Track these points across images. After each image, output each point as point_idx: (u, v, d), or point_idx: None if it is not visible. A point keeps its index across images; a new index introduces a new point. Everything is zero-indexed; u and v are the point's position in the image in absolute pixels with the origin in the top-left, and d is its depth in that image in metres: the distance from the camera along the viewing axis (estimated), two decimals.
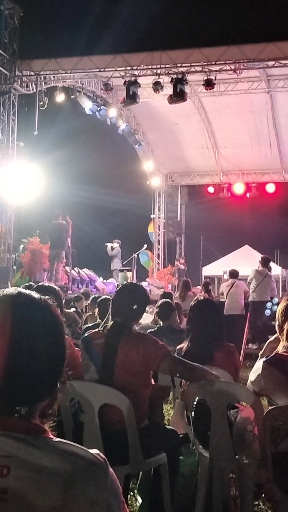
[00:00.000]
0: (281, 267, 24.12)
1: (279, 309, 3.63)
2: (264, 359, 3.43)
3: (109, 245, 21.44)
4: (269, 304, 13.80)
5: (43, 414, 1.54)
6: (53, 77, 16.91)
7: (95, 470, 1.43)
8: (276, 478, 3.36)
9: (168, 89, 15.80)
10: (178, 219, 25.81)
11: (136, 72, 15.90)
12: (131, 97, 15.99)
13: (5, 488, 1.37)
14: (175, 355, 4.29)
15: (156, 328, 7.25)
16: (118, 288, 4.51)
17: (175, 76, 15.47)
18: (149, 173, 23.94)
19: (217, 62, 15.21)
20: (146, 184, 24.46)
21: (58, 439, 1.49)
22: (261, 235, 29.71)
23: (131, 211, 27.18)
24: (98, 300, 8.21)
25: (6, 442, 1.42)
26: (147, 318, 9.25)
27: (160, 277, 23.16)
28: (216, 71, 15.55)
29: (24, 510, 1.36)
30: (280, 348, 3.53)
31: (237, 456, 3.91)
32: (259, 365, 3.45)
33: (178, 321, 9.01)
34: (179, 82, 15.38)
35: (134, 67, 15.79)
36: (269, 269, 14.30)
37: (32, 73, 16.34)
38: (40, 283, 5.47)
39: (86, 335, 4.24)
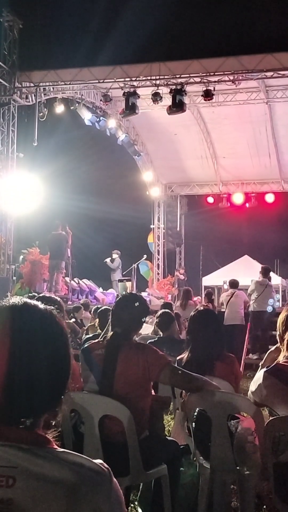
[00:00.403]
0: (281, 277, 24.09)
1: (279, 319, 3.63)
2: (265, 369, 3.42)
3: (108, 259, 21.41)
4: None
5: (46, 425, 1.54)
6: (53, 88, 16.98)
7: (100, 480, 1.43)
8: (278, 489, 3.35)
9: (167, 100, 15.86)
10: (178, 229, 25.83)
11: (135, 83, 15.97)
12: (130, 108, 16.05)
13: (10, 498, 1.37)
14: (175, 365, 4.29)
15: (156, 339, 7.24)
16: (117, 299, 4.50)
17: (174, 87, 15.53)
18: (148, 183, 23.98)
19: (215, 73, 15.28)
20: (145, 194, 24.50)
21: (62, 450, 1.49)
22: (261, 245, 29.74)
23: (130, 221, 27.19)
24: (99, 310, 8.22)
25: (11, 453, 1.42)
26: (147, 329, 9.24)
27: (160, 287, 23.15)
28: (215, 81, 15.63)
29: None
30: (281, 358, 3.52)
31: (238, 467, 3.89)
32: (259, 375, 3.44)
33: (178, 331, 9.01)
34: (178, 93, 15.44)
35: (133, 78, 15.85)
36: (269, 279, 14.29)
37: (32, 84, 16.40)
38: (41, 294, 5.46)
39: (86, 345, 4.24)
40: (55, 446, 1.50)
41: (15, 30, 16.17)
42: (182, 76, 15.44)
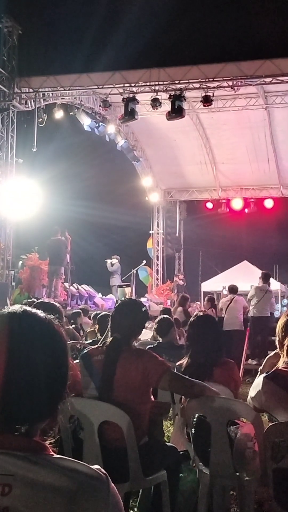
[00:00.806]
0: (280, 282, 24.11)
1: (279, 324, 3.62)
2: (264, 374, 3.42)
3: (108, 261, 21.44)
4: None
5: (44, 432, 1.54)
6: (52, 94, 17.01)
7: (97, 486, 1.42)
8: (277, 495, 3.34)
9: (166, 106, 15.89)
10: (177, 234, 25.82)
11: (134, 89, 16.00)
12: (130, 114, 16.07)
13: (6, 507, 1.36)
14: (175, 371, 4.28)
15: (155, 344, 7.23)
16: (117, 304, 4.50)
17: (173, 92, 15.57)
18: (147, 189, 23.99)
19: (214, 79, 15.30)
20: (144, 200, 24.51)
21: (59, 456, 1.48)
22: (260, 250, 29.80)
23: (130, 227, 27.24)
24: (98, 316, 8.21)
25: (6, 461, 1.41)
26: (146, 334, 9.22)
27: (159, 293, 23.14)
28: (214, 87, 15.66)
29: None
30: (280, 364, 3.52)
31: (237, 473, 3.89)
32: (259, 380, 3.44)
33: (177, 336, 9.00)
34: (177, 99, 15.47)
35: (133, 84, 15.87)
36: (269, 285, 14.29)
37: (31, 90, 16.43)
38: (40, 300, 5.46)
39: (85, 351, 4.23)
40: (52, 453, 1.49)
41: (14, 36, 16.20)
42: (181, 82, 15.47)
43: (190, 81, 15.49)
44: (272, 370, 3.43)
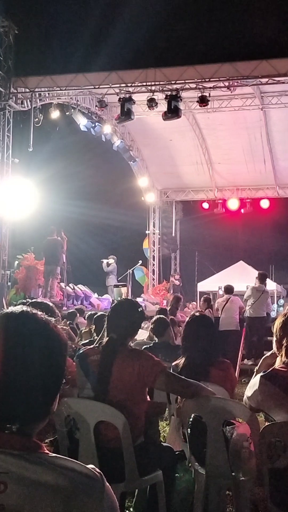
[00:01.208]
0: (276, 282, 24.15)
1: (276, 324, 3.62)
2: (261, 374, 3.42)
3: (104, 261, 21.44)
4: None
5: (40, 432, 1.54)
6: (48, 94, 16.99)
7: (92, 485, 1.43)
8: (273, 495, 3.34)
9: (163, 106, 15.87)
10: (173, 234, 25.84)
11: (130, 89, 15.99)
12: (126, 114, 16.06)
13: (1, 504, 1.36)
14: (171, 371, 4.28)
15: (151, 344, 7.23)
16: (113, 304, 4.50)
17: (169, 93, 15.55)
18: (144, 189, 23.99)
19: (211, 79, 15.30)
20: (141, 200, 24.50)
21: (54, 455, 1.48)
22: (256, 250, 29.85)
23: (126, 227, 27.24)
24: (95, 316, 8.21)
25: (2, 459, 1.41)
26: (142, 334, 9.22)
27: (155, 293, 23.14)
28: (210, 88, 15.66)
29: None
30: (277, 364, 3.52)
31: (233, 473, 3.89)
32: (256, 380, 3.44)
33: (173, 336, 9.00)
34: (173, 99, 15.46)
35: (129, 84, 15.86)
36: (265, 285, 14.31)
37: (27, 90, 16.40)
38: (33, 299, 5.44)
39: (81, 351, 4.23)
40: (47, 451, 1.50)
41: (10, 36, 16.15)
42: (177, 82, 15.46)
43: (186, 81, 15.48)
44: (269, 370, 3.43)
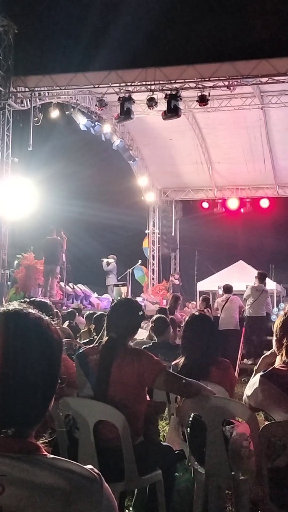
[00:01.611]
0: (276, 282, 24.15)
1: (277, 324, 3.62)
2: (261, 373, 3.42)
3: (104, 260, 21.43)
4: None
5: (37, 433, 1.53)
6: (48, 93, 16.99)
7: (90, 486, 1.42)
8: (273, 494, 3.34)
9: (162, 105, 15.87)
10: (173, 234, 25.85)
11: (130, 88, 15.98)
12: (126, 113, 16.06)
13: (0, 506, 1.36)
14: (171, 370, 4.28)
15: (151, 344, 7.23)
16: (113, 304, 4.50)
17: (169, 92, 15.55)
18: (143, 188, 23.99)
19: (210, 79, 15.30)
20: (140, 199, 24.51)
21: (52, 456, 1.47)
22: (256, 250, 29.86)
23: (125, 226, 27.26)
24: (94, 316, 8.20)
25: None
26: (142, 334, 9.22)
27: (155, 293, 23.14)
28: (210, 87, 15.65)
29: None
30: (278, 363, 3.52)
31: (233, 472, 3.89)
32: (255, 379, 3.44)
33: (173, 336, 9.00)
34: (173, 98, 15.46)
35: (129, 83, 15.86)
36: (265, 284, 14.31)
37: (27, 89, 16.40)
38: (32, 298, 5.42)
39: (81, 350, 4.23)
40: (45, 453, 1.49)
41: (10, 35, 16.16)
42: (177, 81, 15.46)
43: (186, 80, 15.48)
44: (269, 369, 3.43)
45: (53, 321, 1.62)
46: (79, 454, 3.82)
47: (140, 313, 4.23)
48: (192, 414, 4.07)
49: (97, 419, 3.80)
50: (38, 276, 17.94)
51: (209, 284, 24.95)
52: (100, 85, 16.14)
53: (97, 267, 22.13)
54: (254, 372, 4.03)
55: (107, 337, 4.04)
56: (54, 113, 17.06)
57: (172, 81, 15.50)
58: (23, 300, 5.16)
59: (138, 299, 18.40)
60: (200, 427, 3.96)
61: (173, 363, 4.70)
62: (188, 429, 4.10)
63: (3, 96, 16.13)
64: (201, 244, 31.62)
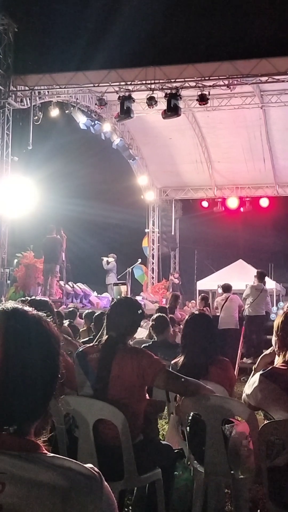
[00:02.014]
0: (275, 281, 24.13)
1: (277, 323, 3.61)
2: (261, 372, 3.43)
3: (104, 259, 21.42)
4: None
5: (37, 431, 1.53)
6: (48, 92, 16.98)
7: (90, 485, 1.42)
8: (272, 493, 3.34)
9: (162, 104, 15.87)
10: (173, 233, 25.85)
11: (130, 87, 15.98)
12: (125, 112, 16.05)
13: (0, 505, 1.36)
14: (170, 369, 4.28)
15: (150, 343, 7.23)
16: (113, 303, 4.50)
17: (169, 91, 15.55)
18: (143, 187, 23.99)
19: (210, 78, 15.29)
20: (140, 198, 24.50)
21: (52, 454, 1.48)
22: (255, 249, 29.85)
23: (125, 225, 27.23)
24: (94, 315, 8.21)
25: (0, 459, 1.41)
26: (141, 333, 9.23)
27: (155, 292, 23.13)
28: (210, 86, 15.65)
29: None
30: (279, 362, 3.52)
31: (232, 471, 3.89)
32: (255, 378, 3.45)
33: (173, 335, 9.00)
34: (173, 97, 15.46)
35: (128, 82, 15.86)
36: (264, 284, 14.31)
37: (27, 88, 16.40)
38: (32, 297, 5.42)
39: (80, 349, 4.23)
40: (45, 451, 1.49)
41: (10, 34, 16.16)
42: (177, 80, 15.46)
43: (186, 79, 15.48)
44: (269, 368, 3.44)
45: (50, 319, 1.62)
46: (78, 453, 3.82)
47: (139, 312, 4.24)
48: (192, 413, 4.07)
49: (97, 418, 3.80)
50: (37, 275, 17.93)
51: (209, 283, 24.93)
52: (100, 84, 16.15)
53: (97, 266, 22.12)
54: (253, 371, 4.04)
55: (106, 336, 4.04)
56: (54, 112, 17.05)
57: (172, 80, 15.50)
58: (24, 299, 5.18)
59: (138, 298, 18.40)
60: (200, 426, 3.97)
61: (172, 362, 4.70)
62: (188, 428, 4.10)
63: (3, 95, 16.12)
64: (200, 243, 31.61)
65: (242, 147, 21.20)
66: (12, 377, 1.46)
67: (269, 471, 3.35)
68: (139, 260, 22.07)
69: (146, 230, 25.56)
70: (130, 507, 4.45)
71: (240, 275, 20.81)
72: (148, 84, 15.71)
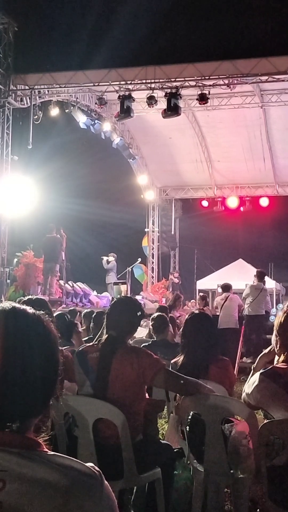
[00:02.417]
0: (275, 280, 24.12)
1: (278, 322, 3.61)
2: (261, 371, 3.43)
3: (104, 258, 21.43)
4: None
5: (37, 428, 1.54)
6: (48, 91, 16.97)
7: (91, 483, 1.42)
8: (271, 492, 3.35)
9: (162, 104, 15.87)
10: (172, 232, 25.84)
11: (130, 87, 15.97)
12: (125, 111, 16.05)
13: (0, 502, 1.36)
14: (170, 369, 4.28)
15: (150, 342, 7.23)
16: (113, 302, 4.50)
17: (169, 90, 15.55)
18: (143, 187, 23.98)
19: (210, 77, 15.29)
20: (140, 198, 24.50)
21: (52, 453, 1.48)
22: (255, 248, 29.83)
23: (125, 224, 27.23)
24: (94, 314, 8.20)
25: (0, 457, 1.41)
26: (141, 332, 9.23)
27: (154, 291, 23.13)
28: (210, 85, 15.64)
29: None
30: (280, 361, 3.52)
31: (232, 471, 3.89)
32: (255, 377, 3.45)
33: (173, 334, 9.00)
34: (173, 97, 15.46)
35: (128, 82, 15.85)
36: (264, 283, 14.31)
37: (27, 87, 16.39)
38: (29, 296, 5.42)
39: (80, 348, 4.23)
40: (46, 449, 1.49)
41: (10, 33, 16.15)
42: (177, 79, 15.45)
43: (186, 79, 15.47)
44: (269, 368, 3.44)
45: (48, 317, 1.63)
46: (78, 452, 3.82)
47: (139, 312, 4.24)
48: (192, 412, 4.08)
49: (97, 417, 3.80)
50: (37, 274, 17.94)
51: (209, 282, 24.92)
52: (100, 83, 16.14)
53: (97, 265, 22.12)
54: (252, 370, 4.04)
55: (106, 335, 4.04)
56: (54, 111, 17.04)
57: (172, 80, 15.49)
58: (21, 299, 5.18)
59: (138, 297, 18.39)
60: (199, 425, 3.97)
61: (172, 361, 4.71)
62: (187, 427, 4.11)
63: (3, 94, 16.12)
64: (200, 242, 31.59)
65: (242, 146, 21.20)
66: (13, 375, 1.46)
67: (269, 470, 3.35)
68: (139, 259, 22.07)
69: (146, 230, 25.55)
70: (130, 506, 4.45)
71: (240, 275, 20.80)
72: (148, 83, 15.71)
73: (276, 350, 3.63)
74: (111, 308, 4.26)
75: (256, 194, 23.87)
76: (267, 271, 18.78)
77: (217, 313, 14.21)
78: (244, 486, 3.94)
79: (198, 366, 4.45)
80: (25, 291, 16.89)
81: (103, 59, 16.10)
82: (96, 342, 4.12)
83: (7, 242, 16.24)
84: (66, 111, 17.43)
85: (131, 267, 20.66)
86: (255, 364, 4.14)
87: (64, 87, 16.56)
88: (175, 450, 4.36)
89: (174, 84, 15.54)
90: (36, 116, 16.69)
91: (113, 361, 3.91)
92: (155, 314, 7.91)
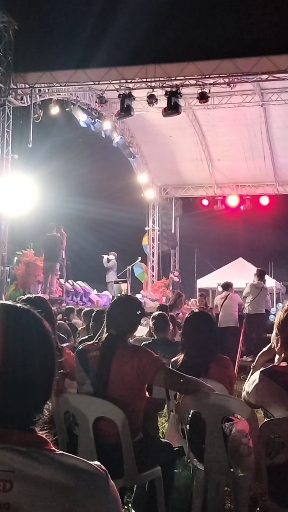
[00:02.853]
0: (275, 279, 24.12)
1: (278, 321, 3.61)
2: (261, 369, 3.43)
3: (105, 256, 21.43)
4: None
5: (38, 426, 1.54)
6: (48, 90, 16.97)
7: (98, 483, 1.43)
8: (272, 491, 3.35)
9: (163, 102, 15.86)
10: (173, 231, 25.84)
11: (130, 85, 15.96)
12: (126, 110, 16.04)
13: (7, 503, 1.35)
14: (170, 367, 4.28)
15: (150, 341, 7.23)
16: (113, 300, 4.50)
17: (169, 89, 15.54)
18: (143, 185, 23.98)
19: (211, 76, 15.29)
20: (140, 196, 24.50)
21: (60, 452, 1.48)
22: (255, 247, 29.82)
23: (125, 223, 27.20)
24: (94, 313, 8.20)
25: (8, 456, 1.40)
26: (141, 331, 9.23)
27: (155, 290, 23.14)
28: (210, 84, 15.63)
29: None
30: (280, 359, 3.52)
31: (232, 469, 3.89)
32: (255, 376, 3.45)
33: (173, 333, 9.01)
34: (173, 95, 15.46)
35: (129, 80, 15.84)
36: (264, 282, 14.31)
37: (27, 86, 16.38)
38: (29, 295, 5.42)
39: (80, 347, 4.23)
40: (53, 448, 1.49)
41: (10, 31, 16.13)
42: (177, 78, 15.44)
43: (186, 77, 15.47)
44: (269, 366, 3.44)
45: (43, 315, 1.63)
46: (78, 451, 3.83)
47: (139, 310, 4.24)
48: (192, 411, 4.07)
49: (97, 416, 3.81)
50: (37, 273, 17.94)
51: (209, 281, 24.90)
52: (100, 82, 16.13)
53: (97, 264, 22.12)
54: (252, 369, 4.04)
55: (106, 334, 4.04)
56: (54, 110, 17.02)
57: (173, 78, 15.48)
58: (25, 297, 5.18)
59: (138, 296, 18.39)
60: (200, 424, 3.97)
61: (172, 360, 4.71)
62: (188, 426, 4.10)
63: (3, 92, 16.11)
64: (200, 241, 31.56)
65: (242, 145, 21.19)
66: (13, 372, 1.46)
67: (269, 469, 3.35)
68: (139, 258, 22.08)
69: (146, 228, 25.55)
70: (130, 505, 4.45)
71: (240, 273, 20.79)
72: (149, 82, 15.70)
73: (276, 348, 3.63)
74: (111, 307, 4.26)
75: (256, 192, 23.89)
76: (267, 269, 18.77)
77: (217, 312, 14.19)
78: (244, 485, 3.94)
79: (198, 365, 4.45)
80: (25, 290, 16.89)
81: (104, 57, 16.12)
82: (97, 341, 4.12)
83: (7, 241, 16.23)
84: (66, 109, 17.41)
85: (131, 265, 20.66)
86: (254, 362, 4.14)
87: (65, 85, 16.55)
88: (175, 449, 4.36)
89: (175, 82, 15.53)
90: (36, 115, 16.67)
91: (113, 359, 3.91)
92: (156, 313, 7.90)
